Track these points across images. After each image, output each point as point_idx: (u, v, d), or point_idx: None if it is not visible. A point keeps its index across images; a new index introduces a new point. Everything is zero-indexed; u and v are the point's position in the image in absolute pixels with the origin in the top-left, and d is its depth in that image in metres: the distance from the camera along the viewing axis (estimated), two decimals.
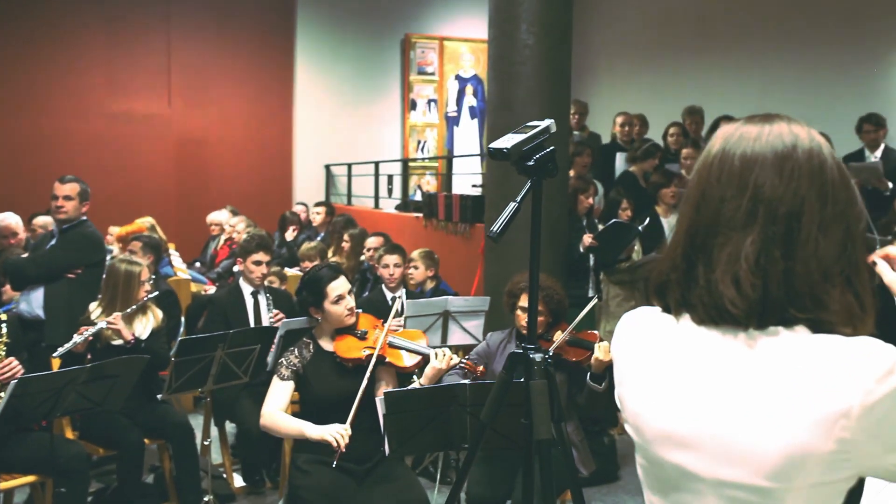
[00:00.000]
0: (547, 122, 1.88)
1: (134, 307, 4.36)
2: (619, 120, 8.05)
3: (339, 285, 3.59)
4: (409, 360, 3.54)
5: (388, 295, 5.47)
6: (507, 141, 1.81)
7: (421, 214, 7.81)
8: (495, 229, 1.81)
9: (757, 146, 1.21)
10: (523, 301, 3.84)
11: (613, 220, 5.68)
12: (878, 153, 6.98)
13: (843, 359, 1.11)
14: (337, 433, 3.25)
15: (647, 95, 9.67)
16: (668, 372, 1.24)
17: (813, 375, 1.11)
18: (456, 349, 5.38)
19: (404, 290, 5.39)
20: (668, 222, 6.27)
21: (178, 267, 7.58)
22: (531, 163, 1.82)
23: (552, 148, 1.85)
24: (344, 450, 3.24)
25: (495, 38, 5.28)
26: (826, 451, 1.10)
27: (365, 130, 11.90)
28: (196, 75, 11.40)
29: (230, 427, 5.17)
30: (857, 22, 7.84)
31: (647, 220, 6.01)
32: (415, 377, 3.88)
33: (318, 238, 8.40)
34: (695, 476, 1.21)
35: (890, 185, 6.40)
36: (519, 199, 1.86)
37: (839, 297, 1.16)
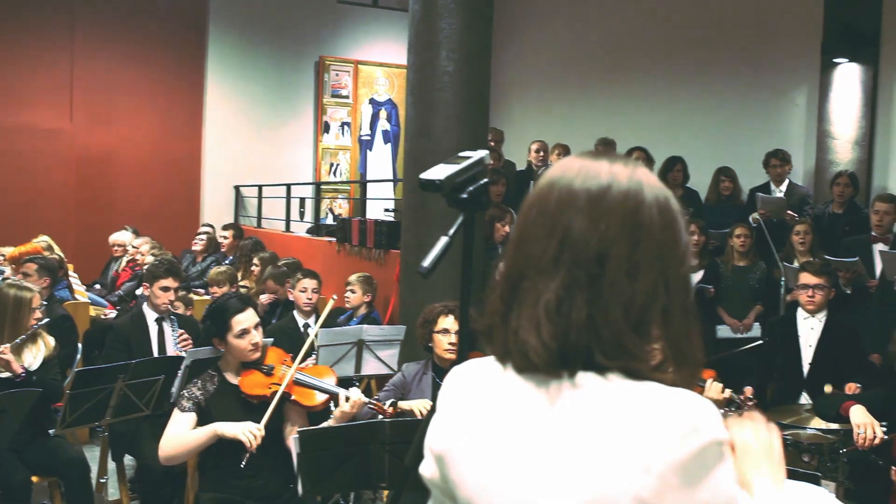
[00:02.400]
0: (481, 153, 1.80)
1: (23, 336, 4.08)
2: (535, 147, 8.12)
3: (245, 318, 3.41)
4: (316, 399, 3.41)
5: (301, 321, 5.32)
6: (440, 172, 1.73)
7: (334, 239, 7.66)
8: (426, 265, 1.72)
9: (575, 185, 1.15)
10: (443, 323, 3.76)
11: None
12: (783, 187, 7.23)
13: (649, 411, 1.05)
14: (249, 431, 3.15)
15: (559, 124, 9.79)
16: (487, 423, 1.17)
17: (617, 427, 1.05)
18: (370, 379, 5.27)
19: (314, 318, 5.24)
20: None
21: (77, 289, 7.22)
22: (464, 195, 1.73)
23: (486, 180, 1.78)
24: (254, 450, 3.13)
25: (415, 64, 5.22)
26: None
27: (277, 152, 11.67)
28: (101, 91, 10.98)
29: (129, 461, 4.90)
30: (761, 59, 8.13)
31: None
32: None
33: (227, 262, 8.15)
34: None
35: (796, 216, 6.62)
36: (451, 232, 1.77)
37: (651, 343, 1.11)
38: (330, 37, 11.96)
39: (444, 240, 1.74)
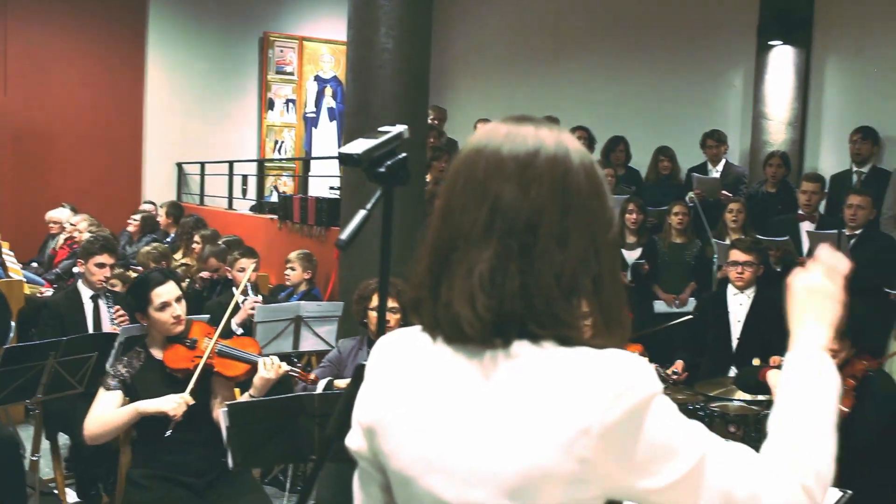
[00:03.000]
0: (400, 127, 1.82)
1: None
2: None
3: (166, 291, 3.38)
4: (239, 369, 3.41)
5: (240, 299, 5.30)
6: (358, 146, 1.74)
7: (276, 216, 7.63)
8: (344, 237, 1.74)
9: (502, 151, 1.13)
10: (374, 301, 3.79)
11: None
12: (720, 167, 7.39)
13: (584, 375, 1.06)
14: (174, 401, 3.15)
15: (504, 103, 9.83)
16: (421, 395, 1.16)
17: (553, 393, 1.06)
18: (311, 355, 5.28)
19: (252, 294, 5.23)
20: None
21: (12, 267, 7.08)
22: (382, 169, 1.75)
23: (404, 155, 1.80)
24: (179, 418, 3.13)
25: (354, 41, 5.20)
26: (567, 470, 1.05)
27: (220, 129, 11.52)
28: (36, 64, 10.69)
29: (64, 439, 4.85)
30: (699, 41, 8.26)
31: None
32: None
33: (167, 240, 8.06)
34: (445, 502, 1.12)
35: (731, 196, 6.77)
36: (369, 206, 1.79)
37: (583, 310, 1.12)
38: (274, 12, 11.82)
39: (362, 213, 1.77)
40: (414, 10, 5.18)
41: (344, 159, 1.81)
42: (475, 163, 1.15)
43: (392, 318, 3.74)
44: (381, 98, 5.13)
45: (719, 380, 4.65)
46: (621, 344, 1.13)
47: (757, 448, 1.14)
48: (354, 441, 1.26)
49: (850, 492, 2.02)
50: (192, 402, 3.18)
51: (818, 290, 1.29)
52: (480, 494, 1.09)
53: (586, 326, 1.12)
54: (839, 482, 3.37)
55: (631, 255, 6.41)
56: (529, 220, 1.10)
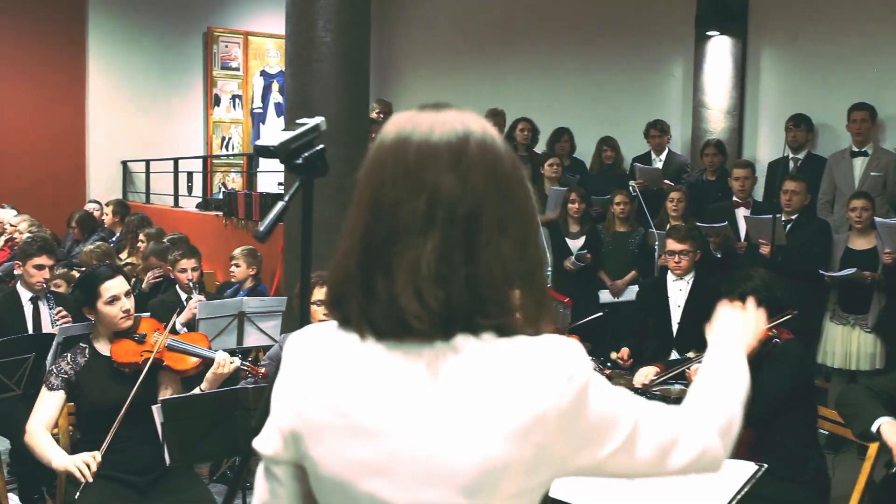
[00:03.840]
0: (317, 119, 1.85)
1: None
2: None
3: (115, 285, 3.36)
4: (189, 363, 3.41)
5: (183, 297, 5.27)
6: (274, 138, 1.76)
7: (221, 213, 7.57)
8: (262, 229, 1.76)
9: (432, 140, 1.11)
10: (318, 294, 3.80)
11: None
12: (663, 157, 7.51)
13: (532, 362, 1.07)
14: (83, 462, 3.05)
15: (451, 96, 9.81)
16: (357, 397, 1.12)
17: (503, 384, 1.06)
18: (258, 350, 5.26)
19: (197, 293, 5.20)
20: None
21: None
22: (299, 161, 1.77)
23: (322, 146, 1.82)
24: (90, 480, 3.03)
25: (292, 35, 5.20)
26: (525, 458, 1.06)
27: (166, 126, 11.38)
28: None
29: (4, 443, 4.78)
30: (640, 32, 8.37)
31: None
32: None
33: (113, 239, 7.96)
34: None
35: (673, 185, 6.89)
36: (287, 198, 1.81)
37: (521, 298, 1.13)
38: (218, 7, 11.70)
39: (280, 204, 1.79)
40: (352, 4, 5.19)
41: (260, 151, 1.83)
42: (404, 152, 1.11)
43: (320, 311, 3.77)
44: (321, 92, 5.14)
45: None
46: (547, 328, 1.15)
47: None
48: (269, 446, 1.21)
49: (765, 465, 2.10)
50: (99, 460, 3.08)
51: (741, 322, 1.50)
52: (435, 494, 1.07)
53: (520, 315, 1.13)
54: (748, 448, 3.50)
55: (574, 244, 6.48)
56: (471, 208, 1.09)
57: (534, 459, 1.07)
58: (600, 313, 4.29)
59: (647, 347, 5.11)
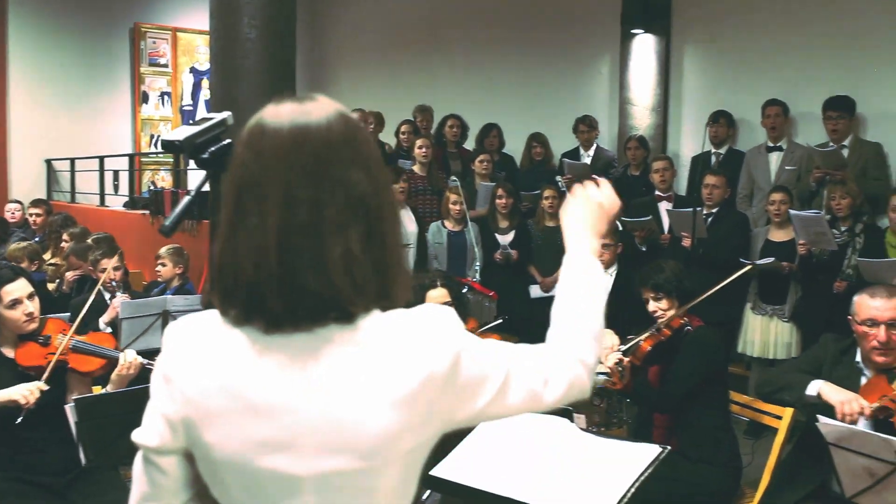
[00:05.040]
0: (224, 114, 1.86)
1: None
2: (355, 116, 8.14)
3: (16, 288, 3.27)
4: (94, 364, 3.36)
5: (107, 296, 5.18)
6: (180, 133, 1.76)
7: (148, 212, 7.46)
8: (167, 224, 1.75)
9: (331, 137, 1.18)
10: None
11: None
12: (591, 152, 7.64)
13: (414, 330, 1.19)
14: (26, 389, 3.07)
15: (382, 92, 9.86)
16: (253, 380, 1.17)
17: (394, 352, 1.17)
18: None
19: (122, 292, 5.13)
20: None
21: None
22: (206, 155, 1.78)
23: (229, 141, 1.82)
24: (32, 405, 3.05)
25: (216, 31, 5.16)
26: (415, 418, 1.17)
27: (92, 123, 11.13)
28: None
29: None
30: (568, 30, 8.50)
31: None
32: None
33: (36, 239, 7.76)
34: (293, 477, 1.17)
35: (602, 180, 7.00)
36: (194, 192, 1.82)
37: (402, 276, 1.24)
38: (145, 2, 11.49)
39: (186, 199, 1.79)
40: (277, 0, 5.17)
41: (166, 146, 1.83)
42: (301, 148, 1.17)
43: None
44: (246, 89, 5.10)
45: None
46: (407, 298, 1.26)
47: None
48: (154, 437, 1.24)
49: (668, 447, 2.17)
50: (45, 388, 3.09)
51: (592, 204, 1.50)
52: (336, 461, 1.16)
53: (402, 291, 1.24)
54: (664, 431, 3.61)
55: (504, 240, 6.55)
56: (374, 200, 1.18)
57: (424, 417, 1.19)
58: (500, 321, 4.38)
59: None
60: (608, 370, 3.63)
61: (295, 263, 1.14)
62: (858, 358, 3.14)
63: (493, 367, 1.25)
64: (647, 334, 3.68)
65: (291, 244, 1.14)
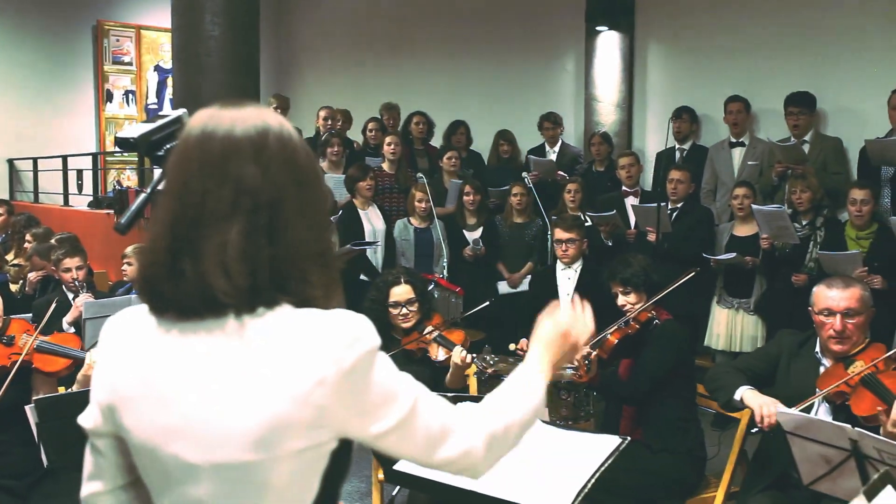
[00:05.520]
0: (179, 111, 1.84)
1: None
2: (322, 114, 8.15)
3: None
4: (59, 365, 3.33)
5: (70, 296, 5.13)
6: (135, 130, 1.76)
7: (112, 211, 7.38)
8: (123, 221, 1.74)
9: (235, 134, 1.23)
10: None
11: None
12: (557, 148, 7.68)
13: (317, 331, 1.20)
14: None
15: (350, 90, 9.85)
16: (161, 369, 1.23)
17: (290, 350, 1.19)
18: None
19: (84, 292, 5.07)
20: (366, 214, 6.45)
21: None
22: (161, 153, 1.77)
23: None
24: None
25: (178, 28, 5.13)
26: (305, 418, 1.18)
27: (55, 123, 10.96)
28: None
29: None
30: (534, 27, 8.54)
31: (341, 212, 6.14)
32: None
33: None
34: (192, 465, 1.21)
35: (566, 176, 7.06)
36: (149, 189, 1.80)
37: (319, 275, 1.25)
38: (107, 0, 11.34)
39: (142, 196, 1.78)
40: None
41: (120, 143, 1.82)
42: (209, 146, 1.23)
43: None
44: (210, 86, 5.08)
45: None
46: (341, 300, 1.28)
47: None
48: (90, 419, 1.33)
49: (628, 438, 2.20)
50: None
51: (560, 330, 1.54)
52: (226, 452, 1.19)
53: (318, 290, 1.25)
54: (630, 422, 3.65)
55: (472, 236, 6.57)
56: (272, 196, 1.22)
57: (314, 420, 1.19)
58: (487, 303, 4.38)
59: None
60: (575, 363, 3.66)
61: (179, 253, 1.20)
62: (818, 349, 3.21)
63: (403, 394, 1.24)
64: (614, 328, 3.72)
65: (178, 234, 1.21)
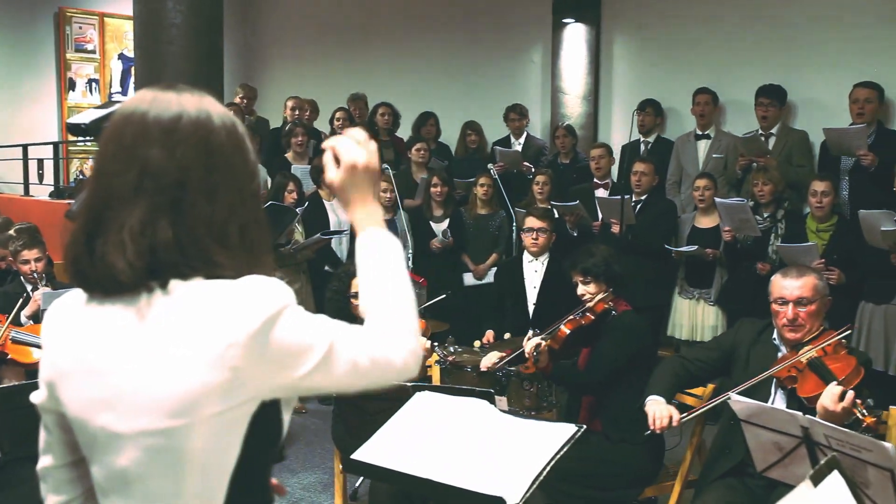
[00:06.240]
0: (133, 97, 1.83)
1: None
2: (290, 104, 8.10)
3: None
4: (33, 356, 3.30)
5: (29, 288, 5.05)
6: (87, 116, 1.75)
7: (74, 201, 7.27)
8: (74, 208, 1.72)
9: (148, 118, 1.28)
10: None
11: (270, 202, 5.68)
12: (522, 140, 7.70)
13: (225, 298, 1.24)
14: None
15: (318, 80, 9.78)
16: (87, 346, 1.29)
17: (201, 318, 1.23)
18: None
19: (44, 283, 5.00)
20: (331, 205, 6.43)
21: None
22: None
23: None
24: None
25: (140, 15, 5.06)
26: (221, 381, 1.22)
27: (14, 111, 10.73)
28: None
29: None
30: (501, 19, 8.53)
31: (307, 203, 6.11)
32: None
33: None
34: (116, 433, 1.27)
35: (532, 167, 7.09)
36: None
37: (234, 252, 1.29)
38: None
39: None
40: None
41: (72, 129, 1.80)
42: (123, 130, 1.29)
43: None
44: (172, 76, 5.02)
45: (516, 339, 4.87)
46: (270, 270, 1.32)
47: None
48: (38, 395, 1.40)
49: (583, 426, 2.22)
50: None
51: (354, 167, 1.42)
52: (148, 419, 1.24)
53: (230, 266, 1.29)
54: (588, 413, 3.69)
55: (438, 227, 6.58)
56: (177, 178, 1.26)
57: (230, 382, 1.23)
58: (444, 295, 4.39)
59: (504, 328, 5.25)
60: (525, 354, 3.69)
61: (93, 234, 1.26)
62: (775, 336, 3.27)
63: (316, 337, 1.27)
64: (569, 318, 3.75)
65: (91, 215, 1.27)
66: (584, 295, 3.82)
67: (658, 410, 3.19)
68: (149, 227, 1.24)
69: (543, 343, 3.64)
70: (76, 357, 1.30)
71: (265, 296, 1.25)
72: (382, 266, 1.40)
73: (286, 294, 1.27)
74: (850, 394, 2.68)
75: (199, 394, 1.22)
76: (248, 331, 1.22)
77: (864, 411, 2.64)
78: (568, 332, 3.69)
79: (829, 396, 2.68)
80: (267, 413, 1.31)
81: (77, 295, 1.34)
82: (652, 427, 3.17)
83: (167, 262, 1.24)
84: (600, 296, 3.77)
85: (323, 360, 1.27)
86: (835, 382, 2.76)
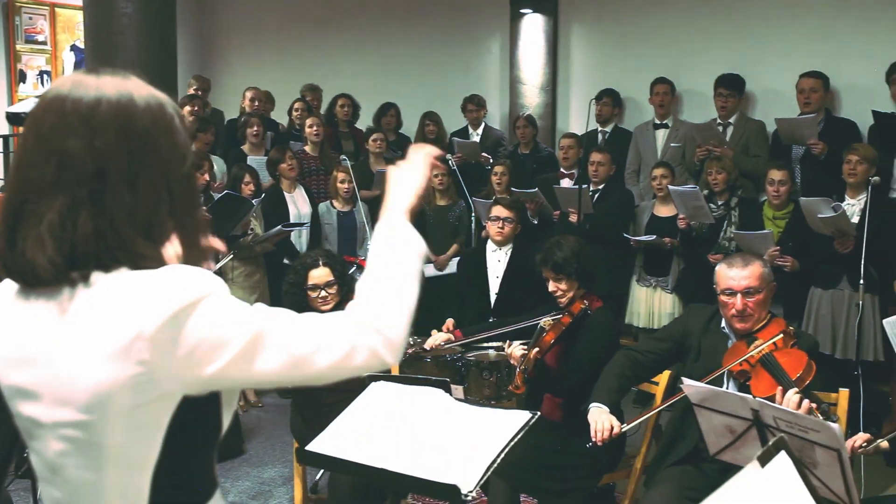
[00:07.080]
0: None
1: None
2: (249, 95, 8.02)
3: None
4: None
5: None
6: (27, 105, 1.72)
7: None
8: None
9: (66, 107, 1.23)
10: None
11: (226, 191, 5.62)
12: (480, 131, 7.70)
13: (141, 288, 1.20)
14: None
15: (276, 72, 9.68)
16: (11, 338, 1.28)
17: (112, 310, 1.20)
18: None
19: None
20: (291, 197, 6.38)
21: None
22: None
23: None
24: None
25: (91, 6, 4.96)
26: (130, 374, 1.19)
27: None
28: None
29: None
30: (459, 9, 8.51)
31: (263, 195, 6.06)
32: None
33: None
34: (40, 423, 1.26)
35: (490, 158, 7.10)
36: None
37: (160, 241, 1.26)
38: None
39: None
40: None
41: (11, 118, 1.78)
42: (42, 119, 1.24)
43: None
44: (123, 67, 4.86)
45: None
46: (200, 261, 1.29)
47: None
48: None
49: (538, 413, 2.23)
50: None
51: (407, 168, 1.54)
52: (66, 413, 1.22)
53: (155, 257, 1.25)
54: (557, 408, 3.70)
55: None
56: (96, 169, 1.21)
57: (140, 376, 1.19)
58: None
59: (465, 317, 5.25)
60: (516, 369, 3.64)
61: (14, 227, 1.23)
62: (724, 324, 3.29)
63: (236, 329, 1.21)
64: (548, 322, 3.68)
65: (12, 208, 1.23)
66: (556, 291, 3.76)
67: (600, 421, 3.17)
68: (69, 221, 1.20)
69: (531, 353, 3.58)
70: (7, 347, 1.29)
71: (179, 286, 1.20)
72: (394, 254, 1.37)
73: (206, 284, 1.22)
74: (806, 403, 2.69)
75: (109, 388, 1.19)
76: (157, 323, 1.17)
77: (821, 417, 2.66)
78: (552, 340, 3.65)
79: (788, 405, 2.68)
80: (202, 408, 1.27)
81: (9, 285, 1.32)
82: (594, 439, 3.15)
83: (88, 255, 1.21)
84: (574, 294, 3.74)
85: (242, 354, 1.21)
86: (794, 390, 2.74)
